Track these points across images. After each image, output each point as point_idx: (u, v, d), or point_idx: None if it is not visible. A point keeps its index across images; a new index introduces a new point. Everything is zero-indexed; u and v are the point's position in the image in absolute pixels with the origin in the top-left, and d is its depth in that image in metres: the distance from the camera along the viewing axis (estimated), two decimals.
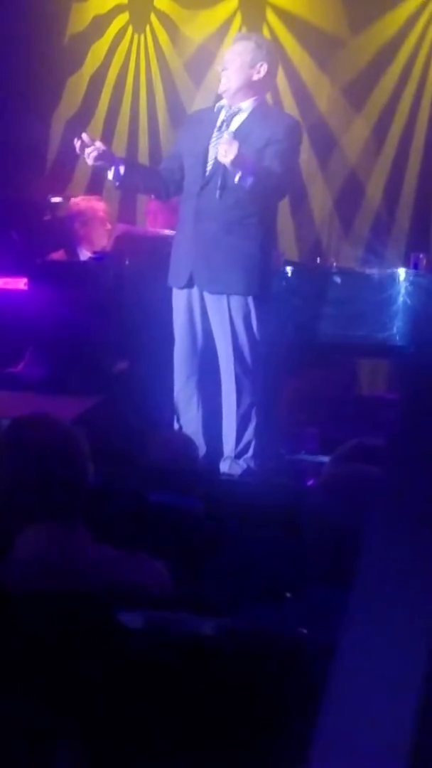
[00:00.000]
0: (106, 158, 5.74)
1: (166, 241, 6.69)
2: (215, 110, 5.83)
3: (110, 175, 5.79)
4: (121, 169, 5.77)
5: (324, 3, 8.69)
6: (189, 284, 5.75)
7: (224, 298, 5.68)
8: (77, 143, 5.67)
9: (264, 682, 2.34)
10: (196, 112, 6.07)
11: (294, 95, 8.65)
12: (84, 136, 5.70)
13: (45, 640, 2.40)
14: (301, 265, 7.04)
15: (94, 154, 5.66)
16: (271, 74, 5.83)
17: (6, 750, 1.60)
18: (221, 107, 5.81)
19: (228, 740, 2.28)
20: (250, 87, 5.75)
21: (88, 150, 5.66)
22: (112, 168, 5.75)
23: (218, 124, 5.74)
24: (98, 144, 5.70)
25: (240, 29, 8.65)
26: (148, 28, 9.00)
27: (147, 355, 6.30)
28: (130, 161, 6.22)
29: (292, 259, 7.26)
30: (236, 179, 5.47)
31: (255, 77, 5.75)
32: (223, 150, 5.42)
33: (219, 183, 5.59)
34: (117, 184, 5.88)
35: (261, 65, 5.75)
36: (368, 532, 1.16)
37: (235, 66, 5.74)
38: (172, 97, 8.85)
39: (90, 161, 5.72)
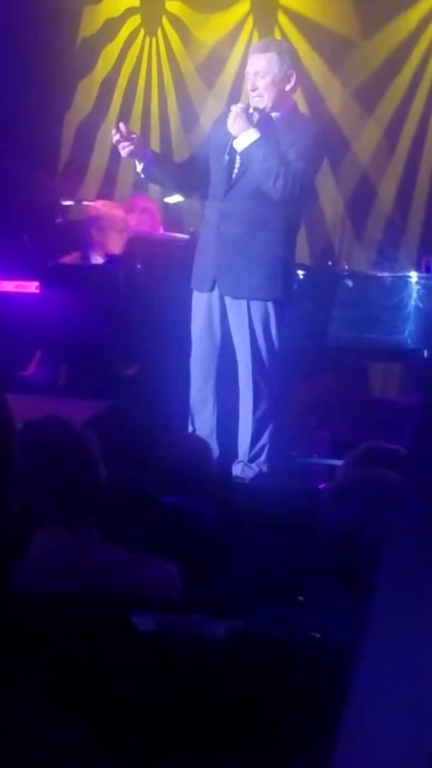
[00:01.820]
0: (140, 153, 5.72)
1: (179, 245, 6.69)
2: None
3: (139, 167, 5.76)
4: (151, 164, 5.74)
5: (336, 6, 8.68)
6: (212, 288, 5.74)
7: (245, 302, 5.69)
8: (115, 134, 5.64)
9: (275, 686, 2.34)
10: (218, 121, 6.03)
11: (306, 98, 8.63)
12: (122, 126, 5.68)
13: (57, 641, 2.40)
14: (312, 268, 7.03)
15: (130, 148, 5.65)
16: (297, 78, 5.86)
17: (14, 750, 1.60)
18: None
19: (239, 743, 2.28)
20: (283, 97, 5.77)
21: (124, 144, 5.65)
22: (143, 163, 5.72)
23: None
24: (135, 139, 5.68)
25: (252, 32, 8.65)
26: (159, 31, 9.00)
27: (158, 358, 6.30)
28: (162, 156, 6.18)
29: (304, 263, 7.26)
30: (234, 142, 5.60)
31: (287, 87, 5.77)
32: (230, 120, 5.59)
33: (245, 187, 5.62)
34: (143, 176, 5.86)
35: (291, 75, 5.77)
36: (389, 536, 1.15)
37: (265, 83, 5.70)
38: (184, 101, 8.84)
39: (124, 153, 5.69)
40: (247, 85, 5.84)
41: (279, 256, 5.73)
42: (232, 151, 5.70)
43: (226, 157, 5.70)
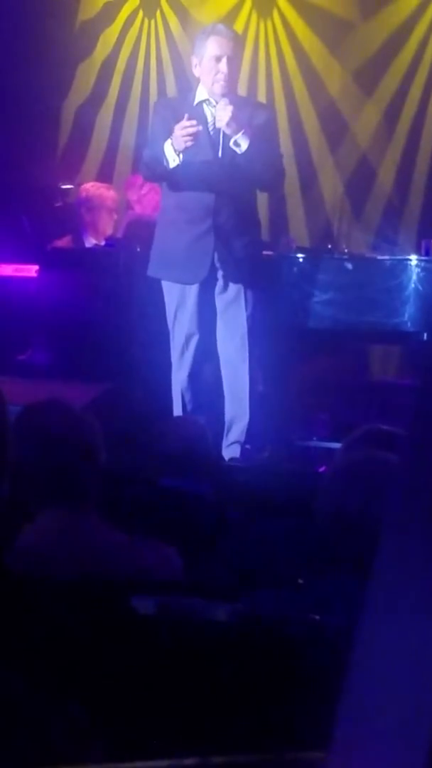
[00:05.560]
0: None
1: None
2: (195, 105, 5.74)
3: (178, 160, 5.59)
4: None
5: None
6: (204, 278, 5.72)
7: (242, 288, 5.72)
8: (196, 126, 5.49)
9: (275, 668, 2.34)
10: (168, 107, 5.91)
11: (305, 80, 8.63)
12: (192, 120, 5.54)
13: (56, 626, 2.40)
14: (312, 251, 7.03)
15: (191, 142, 5.55)
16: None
17: (11, 735, 1.60)
18: (202, 101, 5.75)
19: (239, 725, 2.28)
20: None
21: (190, 137, 5.52)
22: (182, 154, 5.59)
23: (210, 120, 5.70)
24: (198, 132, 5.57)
25: (250, 13, 8.63)
26: (158, 13, 8.98)
27: (157, 341, 6.30)
28: None
29: (303, 245, 7.25)
30: (230, 143, 5.58)
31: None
32: (219, 115, 5.57)
33: (237, 180, 5.65)
34: (170, 168, 5.66)
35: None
36: (387, 518, 1.15)
37: (231, 69, 5.69)
38: (183, 83, 8.81)
39: (188, 144, 5.52)
40: (206, 67, 5.67)
41: (261, 240, 6.01)
42: (214, 146, 5.67)
43: (206, 149, 5.65)
